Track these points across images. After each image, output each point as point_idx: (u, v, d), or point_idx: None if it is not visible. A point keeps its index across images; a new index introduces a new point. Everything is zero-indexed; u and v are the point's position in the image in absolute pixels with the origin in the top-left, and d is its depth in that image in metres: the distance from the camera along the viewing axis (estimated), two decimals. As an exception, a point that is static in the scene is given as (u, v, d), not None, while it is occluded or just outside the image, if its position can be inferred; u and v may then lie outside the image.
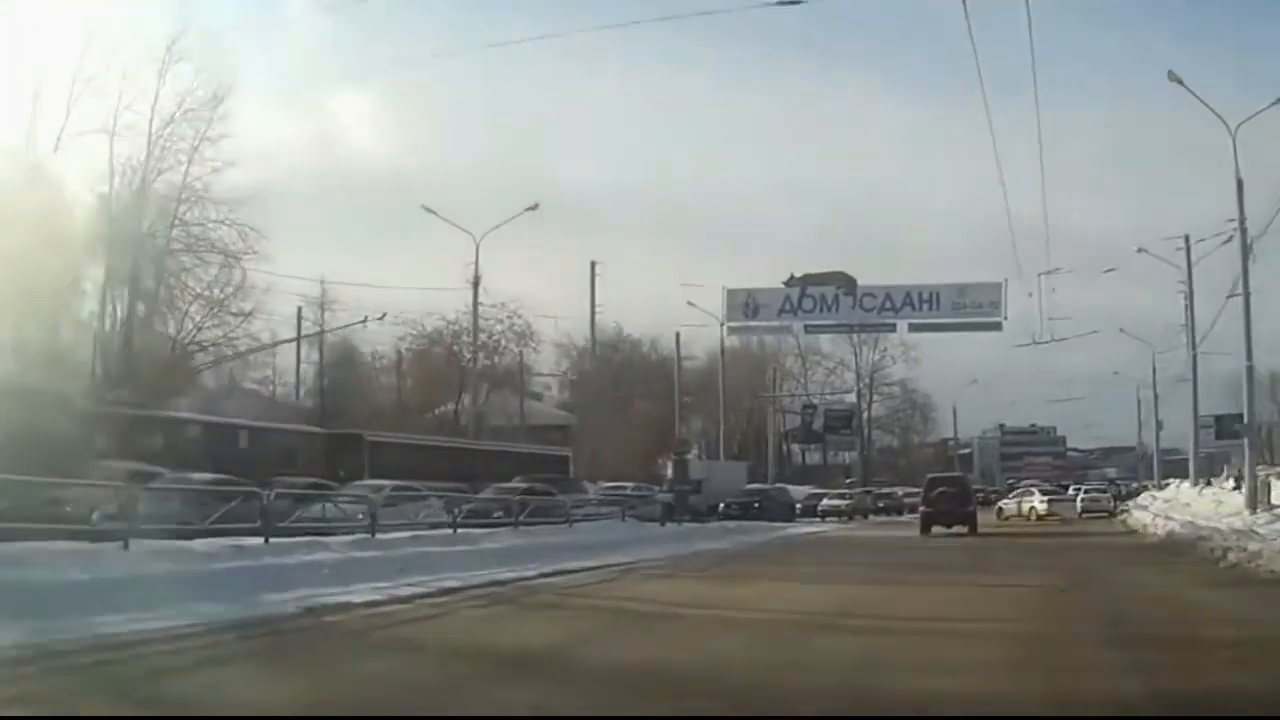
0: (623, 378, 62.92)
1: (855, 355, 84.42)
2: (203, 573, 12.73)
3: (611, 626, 11.02)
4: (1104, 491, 47.37)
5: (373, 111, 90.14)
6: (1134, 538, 28.28)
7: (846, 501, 49.23)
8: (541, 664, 8.07)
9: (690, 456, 50.32)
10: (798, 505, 48.22)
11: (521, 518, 23.80)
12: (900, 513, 48.11)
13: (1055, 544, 25.42)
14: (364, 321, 44.73)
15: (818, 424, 76.21)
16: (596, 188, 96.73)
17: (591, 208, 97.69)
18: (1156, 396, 56.54)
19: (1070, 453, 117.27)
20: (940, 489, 32.34)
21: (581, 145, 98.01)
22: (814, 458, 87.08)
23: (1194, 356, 38.72)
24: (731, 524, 34.11)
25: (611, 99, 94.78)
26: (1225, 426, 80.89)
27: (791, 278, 46.18)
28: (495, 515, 24.76)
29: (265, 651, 9.00)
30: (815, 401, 79.02)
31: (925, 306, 44.04)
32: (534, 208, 42.25)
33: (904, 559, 20.91)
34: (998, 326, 43.26)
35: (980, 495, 43.34)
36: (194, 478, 20.47)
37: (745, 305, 47.23)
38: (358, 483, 26.27)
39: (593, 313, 57.27)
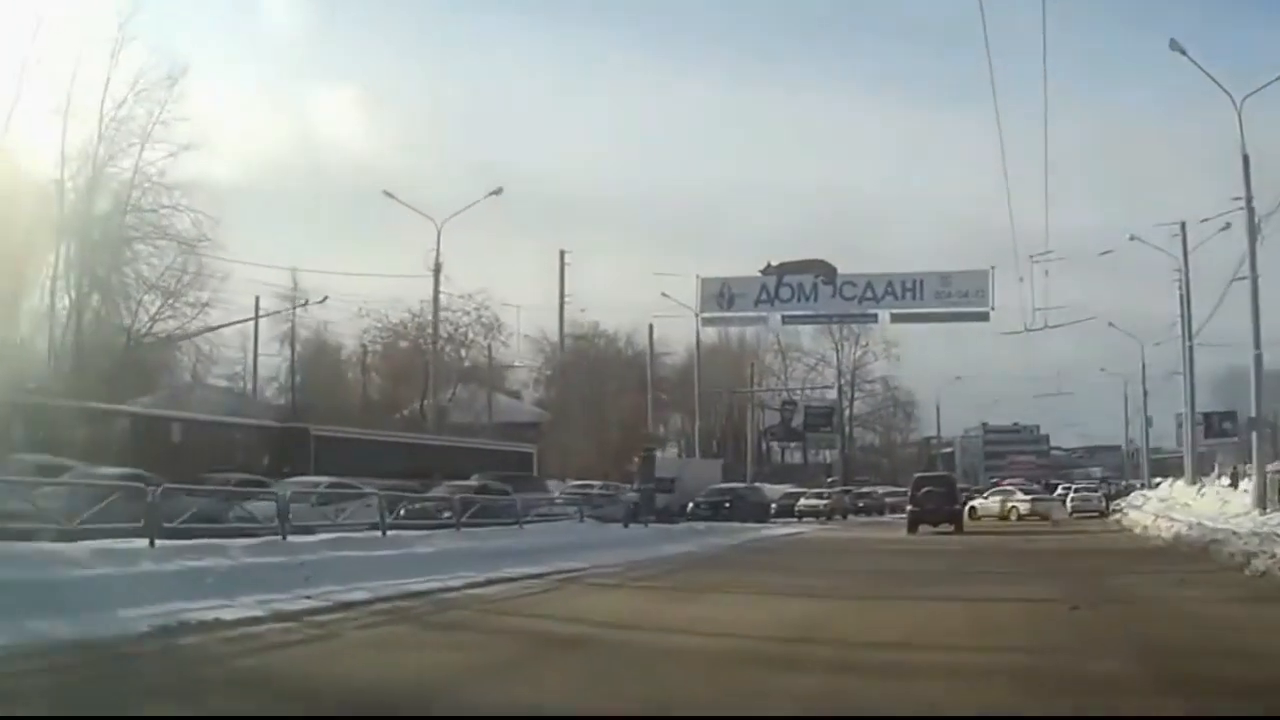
0: (597, 373, 60.70)
1: (837, 351, 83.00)
2: (57, 581, 10.58)
3: (518, 655, 8.82)
4: (1095, 491, 45.40)
5: (341, 102, 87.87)
6: (1135, 540, 26.26)
7: (825, 501, 47.14)
8: (396, 709, 6.45)
9: (662, 454, 48.17)
10: (773, 505, 46.42)
11: (466, 518, 21.48)
12: (881, 513, 45.99)
13: (1052, 547, 23.47)
14: (305, 304, 42.98)
15: (797, 421, 74.13)
16: (568, 180, 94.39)
17: (563, 201, 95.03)
18: (1145, 393, 55.62)
19: (1054, 451, 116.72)
20: (927, 488, 32.78)
21: (552, 138, 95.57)
22: (795, 456, 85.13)
23: (1189, 348, 36.81)
24: (701, 525, 31.95)
25: (585, 92, 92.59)
26: (1215, 424, 79.66)
27: (769, 266, 44.10)
28: (444, 515, 22.50)
29: (51, 689, 7.11)
30: (795, 398, 76.94)
31: (908, 295, 41.97)
32: (497, 192, 40.02)
33: (885, 565, 18.76)
34: (985, 317, 41.30)
35: (965, 494, 42.00)
36: (100, 472, 18.35)
37: (720, 295, 45.13)
38: (292, 479, 24.06)
39: (561, 303, 55.41)
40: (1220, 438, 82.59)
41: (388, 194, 39.96)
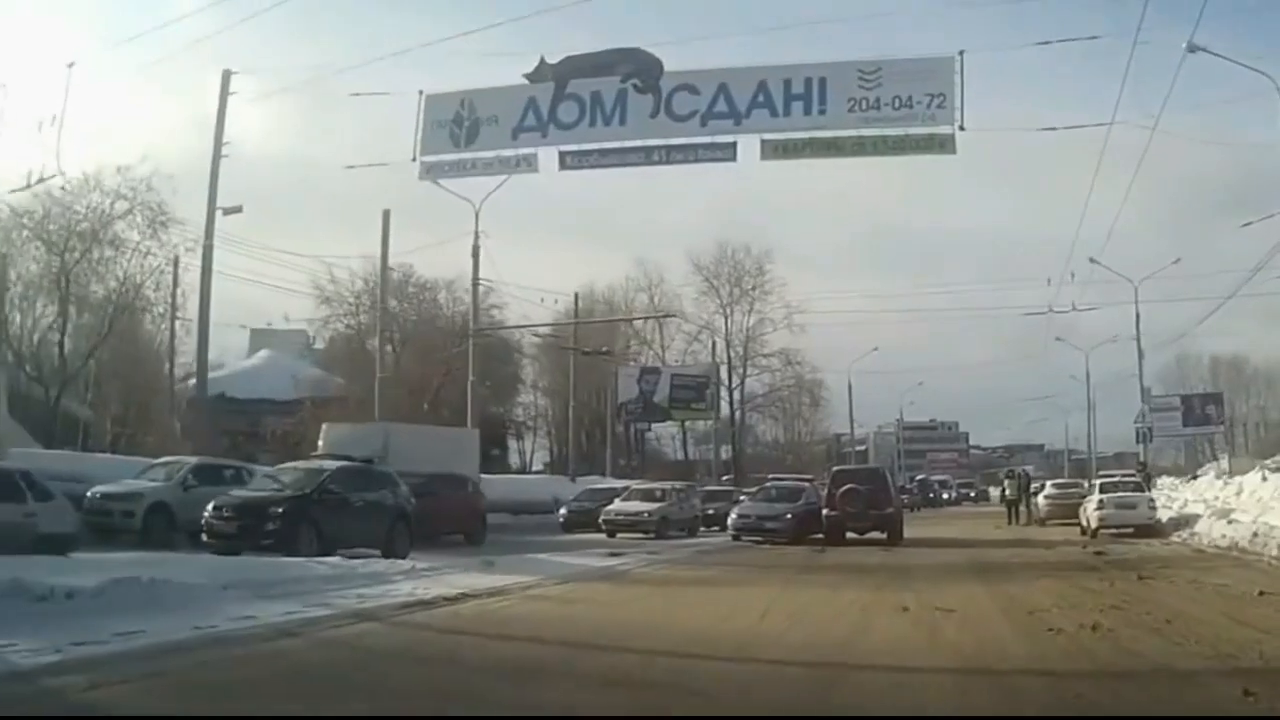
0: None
1: (725, 317, 62.98)
2: None
3: None
4: (1140, 492, 24.82)
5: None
6: None
7: (654, 506, 26.38)
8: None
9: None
10: (563, 510, 29.29)
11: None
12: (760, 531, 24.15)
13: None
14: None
15: (660, 395, 53.65)
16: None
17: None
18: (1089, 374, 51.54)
19: (974, 450, 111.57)
20: (848, 486, 22.90)
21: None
22: (692, 451, 66.18)
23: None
24: (220, 562, 11.37)
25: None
26: (1196, 410, 63.67)
27: (541, 64, 23.27)
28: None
29: None
30: (658, 365, 56.78)
31: (796, 107, 21.43)
32: None
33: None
34: (948, 143, 20.75)
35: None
36: None
37: (457, 124, 24.19)
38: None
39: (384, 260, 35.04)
40: (1201, 425, 67.11)
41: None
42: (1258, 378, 77.27)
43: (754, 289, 62.29)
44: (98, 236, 35.73)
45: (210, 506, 16.72)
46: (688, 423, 61.60)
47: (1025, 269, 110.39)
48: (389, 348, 52.39)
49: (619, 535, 25.68)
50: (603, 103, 22.95)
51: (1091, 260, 35.25)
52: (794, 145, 21.64)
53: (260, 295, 75.76)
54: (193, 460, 21.31)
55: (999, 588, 12.51)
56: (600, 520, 26.18)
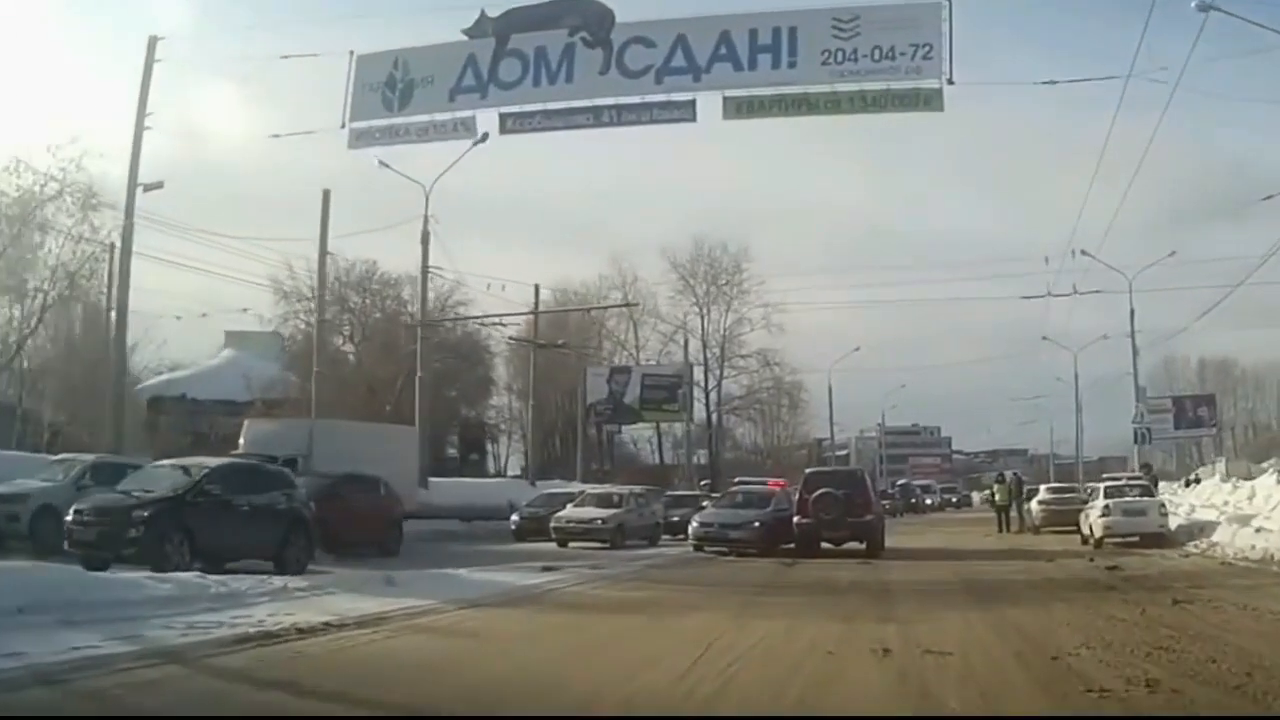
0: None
1: (701, 316, 60.54)
2: None
3: None
4: (1149, 496, 22.15)
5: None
6: None
7: (609, 512, 23.72)
8: None
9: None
10: (517, 516, 26.99)
11: None
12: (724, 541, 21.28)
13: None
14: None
15: (631, 396, 51.02)
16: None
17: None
18: (1077, 376, 51.01)
19: (957, 455, 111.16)
20: (823, 490, 20.27)
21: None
22: (668, 456, 63.16)
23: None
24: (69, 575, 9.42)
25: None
26: (1188, 412, 62.20)
27: (482, 18, 20.70)
28: None
29: None
30: (629, 365, 54.23)
31: (763, 60, 18.86)
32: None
33: None
34: (934, 99, 18.20)
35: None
36: None
37: (389, 87, 21.59)
38: None
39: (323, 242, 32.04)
40: (1194, 428, 65.73)
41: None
42: (1246, 380, 75.82)
43: (728, 284, 60.02)
44: (26, 220, 33.00)
45: (71, 510, 14.14)
46: (664, 425, 59.20)
47: (1013, 269, 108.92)
48: (348, 345, 50.20)
49: (571, 544, 23.10)
50: (548, 59, 20.45)
51: (1083, 253, 33.55)
52: (760, 103, 19.05)
53: (236, 293, 71.83)
54: (89, 458, 18.95)
55: (1004, 617, 9.96)
56: (551, 528, 23.54)
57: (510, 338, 44.56)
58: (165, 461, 16.84)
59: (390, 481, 23.62)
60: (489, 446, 60.89)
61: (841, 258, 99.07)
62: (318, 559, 16.03)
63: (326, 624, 9.50)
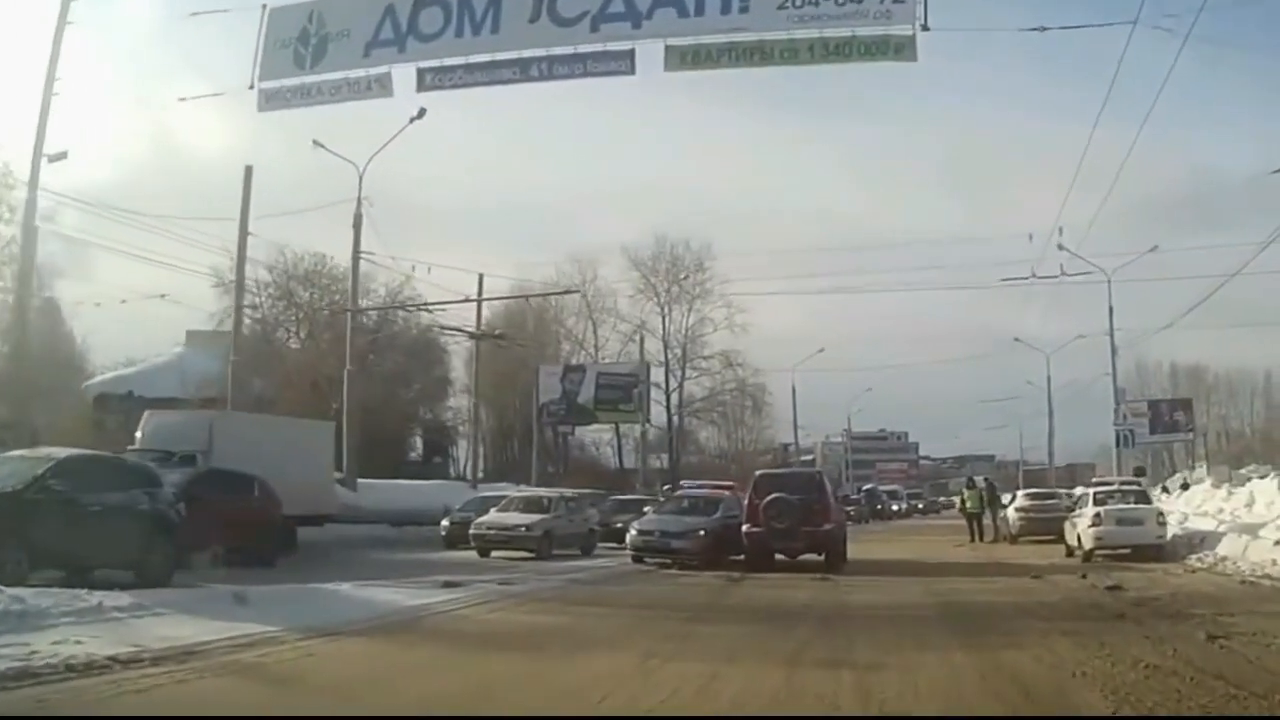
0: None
1: (663, 316, 58.55)
2: None
3: None
4: (1145, 501, 19.83)
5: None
6: None
7: (535, 518, 21.13)
8: None
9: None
10: (447, 521, 24.89)
11: None
12: (666, 551, 18.62)
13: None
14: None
15: (586, 395, 48.46)
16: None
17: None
18: (1049, 378, 51.40)
19: (924, 460, 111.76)
20: (776, 494, 17.94)
21: None
22: (627, 459, 60.92)
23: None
24: None
25: None
26: (1164, 416, 61.40)
27: (397, -38, 18.16)
28: None
29: None
30: (583, 363, 51.70)
31: (712, 4, 16.44)
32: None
33: None
34: (906, 47, 15.85)
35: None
36: None
37: (302, 43, 19.13)
38: None
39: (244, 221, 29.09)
40: (1170, 433, 64.43)
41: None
42: (1219, 386, 74.65)
43: (690, 282, 57.94)
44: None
45: None
46: (624, 428, 56.83)
47: (987, 265, 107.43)
48: (294, 341, 47.37)
49: (495, 554, 20.61)
50: (472, 7, 17.92)
51: (1061, 248, 31.52)
52: (708, 52, 16.58)
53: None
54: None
55: (997, 661, 7.57)
56: (470, 535, 21.03)
57: (442, 326, 41.79)
58: (9, 453, 14.21)
59: (304, 480, 21.17)
60: (449, 450, 58.40)
61: (807, 257, 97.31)
62: (194, 568, 13.47)
63: (113, 659, 7.14)
